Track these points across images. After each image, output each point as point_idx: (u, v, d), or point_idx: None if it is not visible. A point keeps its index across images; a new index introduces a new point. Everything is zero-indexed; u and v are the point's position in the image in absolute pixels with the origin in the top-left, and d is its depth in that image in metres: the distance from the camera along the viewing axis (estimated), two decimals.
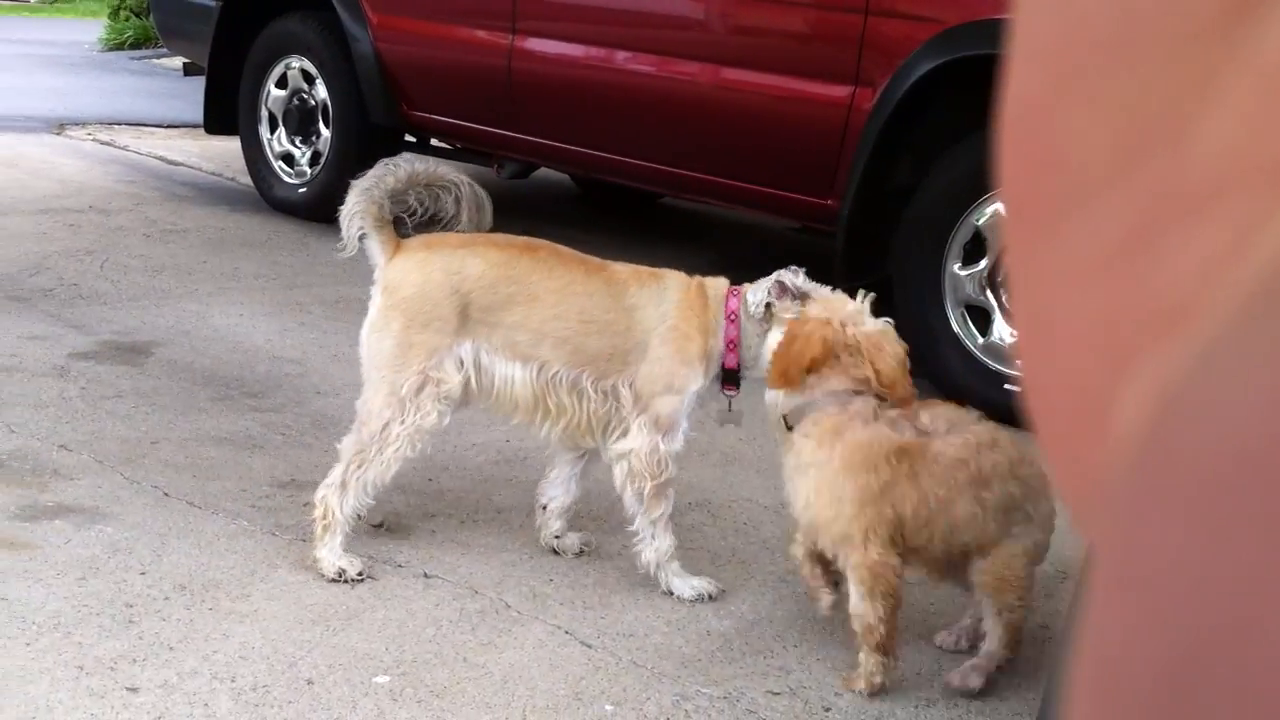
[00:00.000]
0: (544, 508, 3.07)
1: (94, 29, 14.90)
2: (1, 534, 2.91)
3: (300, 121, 6.36)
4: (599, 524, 3.23)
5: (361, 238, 2.91)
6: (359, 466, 2.84)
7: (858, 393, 2.62)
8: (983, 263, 4.34)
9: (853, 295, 2.75)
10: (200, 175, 7.37)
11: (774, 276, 2.83)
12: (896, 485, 2.50)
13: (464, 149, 6.22)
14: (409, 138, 6.32)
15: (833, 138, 4.58)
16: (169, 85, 11.07)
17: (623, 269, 2.96)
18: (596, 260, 2.98)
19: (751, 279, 2.93)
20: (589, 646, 2.68)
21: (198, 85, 6.91)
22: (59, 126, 8.57)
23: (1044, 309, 0.26)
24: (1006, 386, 4.20)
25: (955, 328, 4.40)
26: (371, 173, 2.91)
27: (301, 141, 6.38)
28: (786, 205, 4.91)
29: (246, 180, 6.75)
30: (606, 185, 6.62)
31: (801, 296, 2.78)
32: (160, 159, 7.73)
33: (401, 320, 2.84)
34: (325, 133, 6.25)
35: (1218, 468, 0.20)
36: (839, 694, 2.59)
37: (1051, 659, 2.68)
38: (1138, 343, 0.23)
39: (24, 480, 3.19)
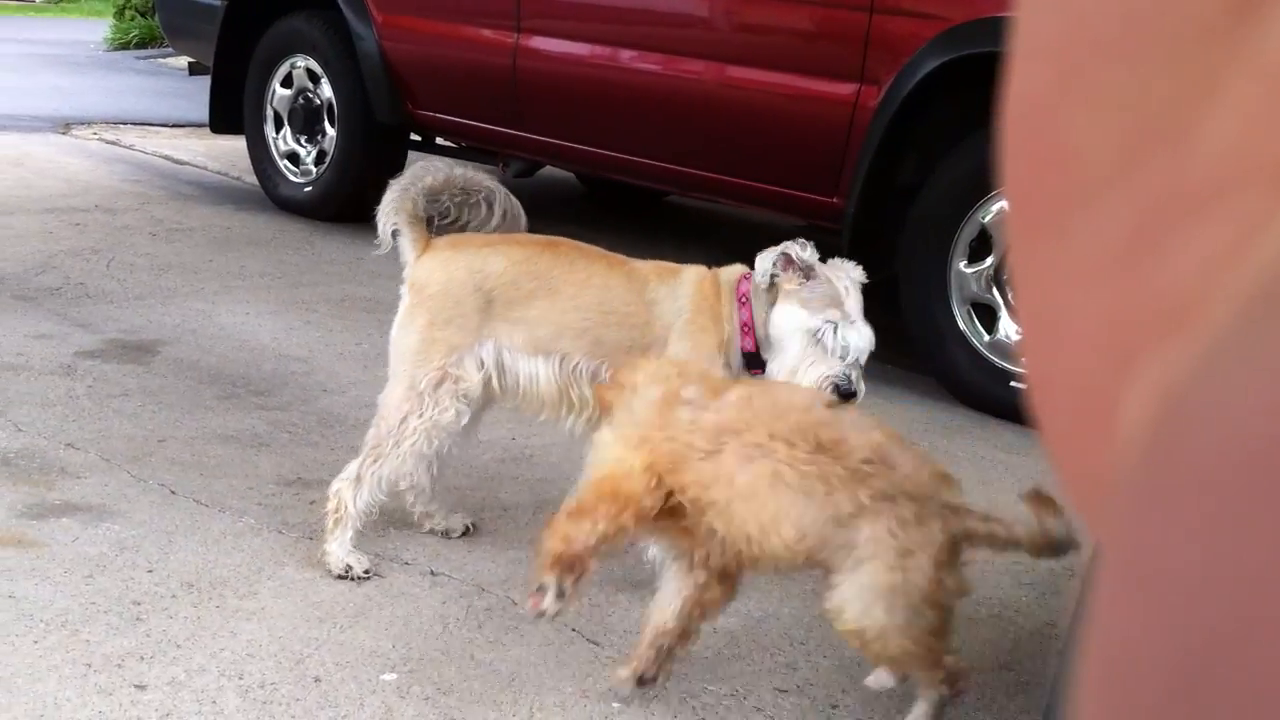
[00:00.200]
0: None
1: (99, 28, 14.92)
2: (9, 532, 2.91)
3: (305, 120, 6.37)
4: None
5: (394, 234, 2.93)
6: (374, 461, 2.85)
7: None
8: (988, 260, 4.34)
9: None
10: (206, 174, 7.38)
11: (781, 247, 2.81)
12: None
13: (469, 148, 6.23)
14: (414, 136, 6.32)
15: (838, 136, 4.57)
16: (174, 84, 11.08)
17: (644, 264, 2.97)
18: (619, 256, 2.99)
19: None
20: (596, 644, 2.68)
21: (203, 84, 6.91)
22: (65, 126, 8.58)
23: (1048, 308, 0.26)
24: (1012, 384, 4.20)
25: (961, 325, 4.40)
26: (411, 171, 2.96)
27: (307, 140, 6.39)
28: (792, 203, 4.90)
29: (252, 179, 6.76)
30: (612, 184, 6.62)
31: (806, 270, 2.78)
32: (166, 158, 7.74)
33: (426, 317, 2.87)
34: (330, 132, 6.25)
35: (1223, 467, 0.20)
36: (846, 692, 2.59)
37: (1058, 657, 2.68)
38: (1142, 342, 0.23)
39: (31, 478, 3.19)
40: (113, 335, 4.36)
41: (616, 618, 2.80)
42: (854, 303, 2.78)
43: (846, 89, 4.55)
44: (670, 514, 2.25)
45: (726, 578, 2.35)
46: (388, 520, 3.09)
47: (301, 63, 6.33)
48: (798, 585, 2.97)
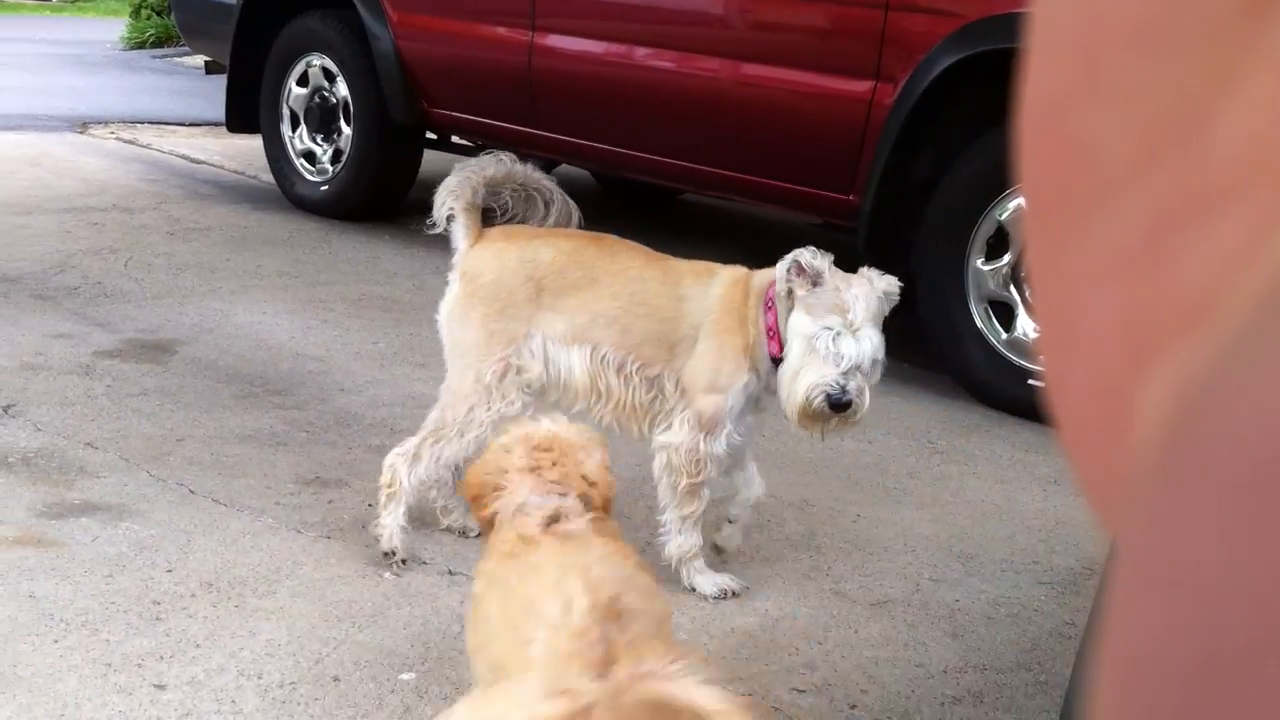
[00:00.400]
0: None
1: (116, 28, 14.99)
2: (29, 532, 2.93)
3: (321, 119, 6.38)
4: (622, 520, 3.22)
5: (449, 219, 2.94)
6: (436, 441, 2.89)
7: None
8: (1005, 258, 4.33)
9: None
10: (222, 173, 7.40)
11: (792, 255, 2.80)
12: None
13: (485, 146, 6.23)
14: (430, 135, 6.33)
15: (854, 133, 4.57)
16: (191, 84, 11.11)
17: (684, 262, 3.00)
18: (660, 254, 3.00)
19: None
20: None
21: (219, 84, 6.94)
22: (82, 125, 8.62)
23: (1066, 306, 0.26)
24: (1030, 382, 4.19)
25: (978, 323, 4.38)
26: (475, 160, 3.00)
27: (323, 139, 6.40)
28: (808, 201, 4.90)
29: (268, 178, 6.78)
30: (627, 182, 6.62)
31: (815, 276, 2.76)
32: (183, 157, 7.77)
33: (481, 309, 2.90)
34: (347, 130, 6.27)
35: (1239, 466, 0.20)
36: (865, 691, 2.59)
37: (1075, 656, 2.67)
38: (1159, 340, 0.23)
39: (50, 478, 3.21)
40: (131, 335, 4.38)
41: None
42: (861, 311, 2.70)
43: (862, 86, 4.54)
44: None
45: None
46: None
47: (317, 62, 6.34)
48: (815, 585, 2.97)
